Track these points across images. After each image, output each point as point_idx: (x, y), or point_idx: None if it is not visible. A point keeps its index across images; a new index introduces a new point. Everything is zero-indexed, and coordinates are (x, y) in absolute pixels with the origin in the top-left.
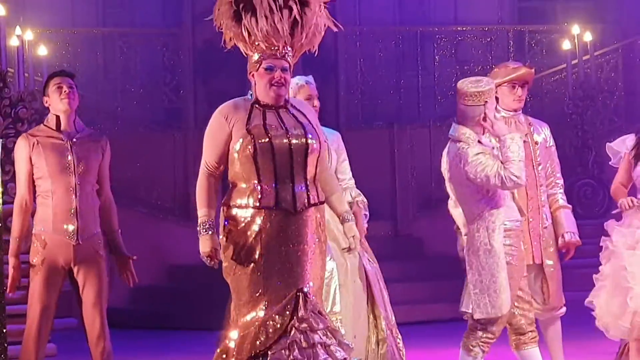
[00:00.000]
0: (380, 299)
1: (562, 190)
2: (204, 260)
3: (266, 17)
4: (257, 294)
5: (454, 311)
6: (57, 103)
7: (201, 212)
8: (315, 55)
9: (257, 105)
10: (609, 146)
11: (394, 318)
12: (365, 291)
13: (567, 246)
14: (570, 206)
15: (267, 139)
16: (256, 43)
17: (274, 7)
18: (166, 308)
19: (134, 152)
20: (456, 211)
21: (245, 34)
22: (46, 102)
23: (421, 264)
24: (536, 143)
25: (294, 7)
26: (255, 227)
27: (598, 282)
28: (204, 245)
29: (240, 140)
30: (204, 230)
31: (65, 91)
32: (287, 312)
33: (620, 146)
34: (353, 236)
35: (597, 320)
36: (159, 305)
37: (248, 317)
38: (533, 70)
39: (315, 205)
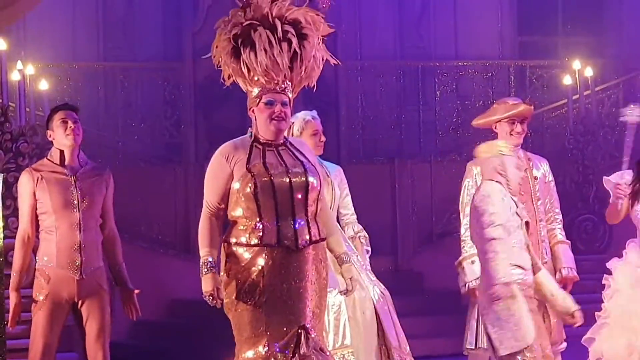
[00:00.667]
0: (391, 330)
1: (560, 226)
2: (207, 300)
3: (265, 51)
4: (259, 331)
5: (455, 346)
6: (62, 138)
7: (203, 251)
8: (315, 90)
9: (256, 144)
10: (607, 180)
11: (407, 347)
12: (375, 323)
13: (565, 281)
14: (568, 242)
15: (268, 177)
16: (255, 78)
17: (273, 41)
18: (167, 343)
19: (135, 187)
20: None
21: (245, 70)
22: (50, 136)
23: (422, 299)
24: (535, 178)
25: (293, 40)
26: (257, 265)
27: (600, 319)
28: (207, 285)
29: (241, 179)
30: (207, 269)
31: (70, 126)
32: (289, 350)
33: (618, 180)
34: (350, 278)
35: None
36: (160, 340)
37: (250, 354)
38: (532, 106)
39: (317, 242)
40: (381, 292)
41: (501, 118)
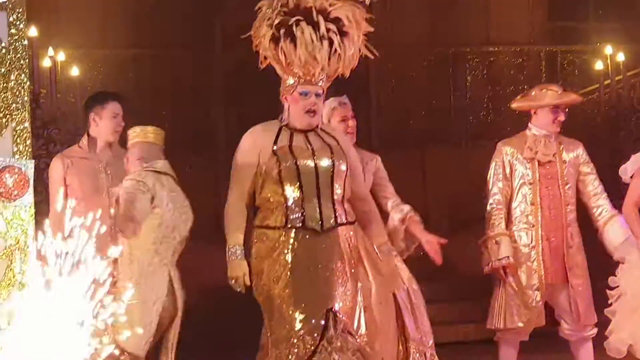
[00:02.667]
0: (410, 322)
1: (606, 201)
2: (232, 285)
3: (306, 47)
4: (288, 314)
5: (487, 332)
6: (108, 132)
7: (230, 237)
8: (347, 78)
9: (285, 128)
10: (622, 169)
11: (431, 341)
12: (394, 313)
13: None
14: (618, 213)
15: (293, 160)
16: (292, 68)
17: (314, 38)
18: (196, 329)
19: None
20: None
21: (282, 58)
22: (94, 120)
23: (453, 285)
24: (564, 162)
25: (335, 39)
26: (283, 247)
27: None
28: (233, 270)
29: (267, 162)
30: (233, 255)
31: (120, 123)
32: (317, 333)
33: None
34: (389, 272)
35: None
36: (189, 326)
37: (279, 336)
38: (581, 99)
39: (343, 225)
40: (409, 285)
41: (549, 104)
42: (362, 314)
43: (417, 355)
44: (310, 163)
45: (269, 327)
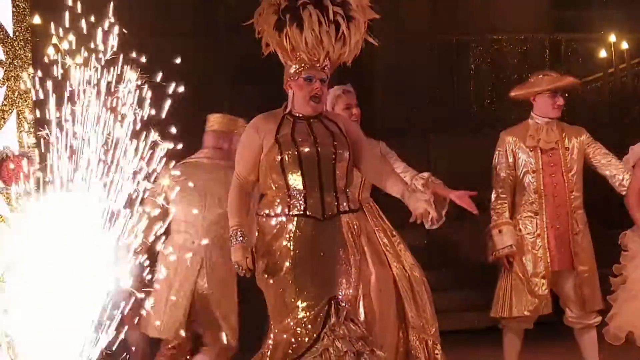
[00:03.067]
0: (411, 309)
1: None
2: (236, 270)
3: (312, 30)
4: (290, 301)
5: (490, 319)
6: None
7: (233, 221)
8: (351, 65)
9: (288, 116)
10: (625, 159)
11: (434, 329)
12: (394, 301)
13: None
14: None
15: (294, 148)
16: (297, 53)
17: (322, 20)
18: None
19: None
20: None
21: (286, 44)
22: None
23: (456, 272)
24: (567, 149)
25: (342, 22)
26: (285, 235)
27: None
28: (236, 255)
29: (270, 150)
30: (235, 239)
31: None
32: (319, 320)
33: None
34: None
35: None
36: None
37: (282, 324)
38: (578, 82)
39: (345, 213)
40: (410, 272)
41: (546, 89)
42: (361, 301)
43: (418, 343)
44: (312, 151)
45: (272, 315)
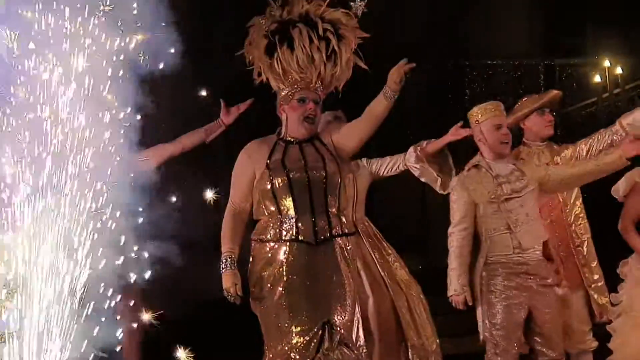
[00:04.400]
0: (408, 328)
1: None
2: (226, 296)
3: (303, 47)
4: (284, 326)
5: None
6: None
7: (225, 248)
8: (346, 89)
9: (280, 141)
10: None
11: (434, 346)
12: (393, 321)
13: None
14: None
15: (284, 174)
16: (289, 75)
17: (313, 37)
18: (194, 341)
19: (165, 185)
20: None
21: (278, 67)
22: None
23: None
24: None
25: (332, 39)
26: (278, 260)
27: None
28: (226, 282)
29: (260, 176)
30: (225, 266)
31: None
32: (313, 345)
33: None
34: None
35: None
36: (187, 338)
37: (276, 349)
38: (560, 92)
39: (339, 237)
40: (406, 291)
41: (533, 108)
42: (360, 325)
43: None
44: (303, 176)
45: (266, 340)
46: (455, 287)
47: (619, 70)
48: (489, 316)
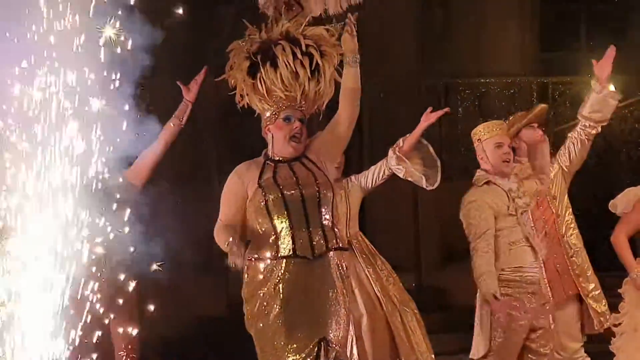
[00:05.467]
0: (402, 345)
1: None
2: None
3: (287, 63)
4: (280, 345)
5: None
6: None
7: (225, 237)
8: (324, 112)
9: (269, 162)
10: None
11: None
12: (388, 338)
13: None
14: None
15: (278, 191)
16: (273, 94)
17: (297, 52)
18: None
19: (157, 204)
20: None
21: (261, 88)
22: None
23: (446, 316)
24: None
25: (315, 54)
26: (274, 278)
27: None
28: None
29: (254, 196)
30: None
31: None
32: None
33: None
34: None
35: None
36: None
37: None
38: (546, 106)
39: (335, 250)
40: (400, 308)
41: (522, 125)
42: (354, 343)
43: None
44: (296, 192)
45: (262, 358)
46: (495, 289)
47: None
48: (487, 333)
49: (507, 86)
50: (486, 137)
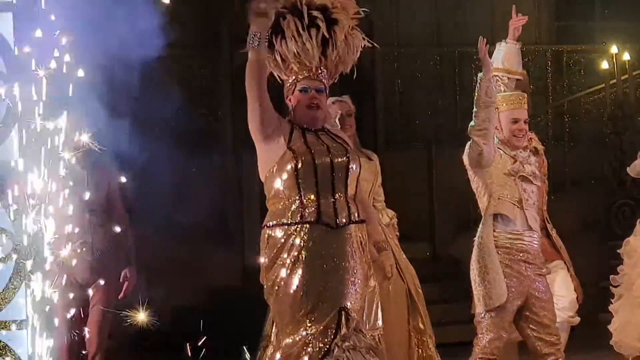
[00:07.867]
0: (419, 317)
1: None
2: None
3: (294, 38)
4: (300, 314)
5: None
6: None
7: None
8: (353, 76)
9: (296, 128)
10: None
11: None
12: (406, 313)
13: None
14: None
15: (310, 155)
16: (290, 66)
17: (300, 28)
18: (204, 331)
19: (173, 175)
20: None
21: (279, 59)
22: None
23: (460, 285)
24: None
25: (322, 25)
26: (296, 245)
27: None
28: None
29: (282, 156)
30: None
31: None
32: (330, 331)
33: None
34: (390, 265)
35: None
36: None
37: (291, 339)
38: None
39: (356, 223)
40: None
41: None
42: (379, 307)
43: (434, 349)
44: (327, 159)
45: (280, 329)
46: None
47: (626, 57)
48: (484, 297)
49: (522, 54)
50: (504, 108)
